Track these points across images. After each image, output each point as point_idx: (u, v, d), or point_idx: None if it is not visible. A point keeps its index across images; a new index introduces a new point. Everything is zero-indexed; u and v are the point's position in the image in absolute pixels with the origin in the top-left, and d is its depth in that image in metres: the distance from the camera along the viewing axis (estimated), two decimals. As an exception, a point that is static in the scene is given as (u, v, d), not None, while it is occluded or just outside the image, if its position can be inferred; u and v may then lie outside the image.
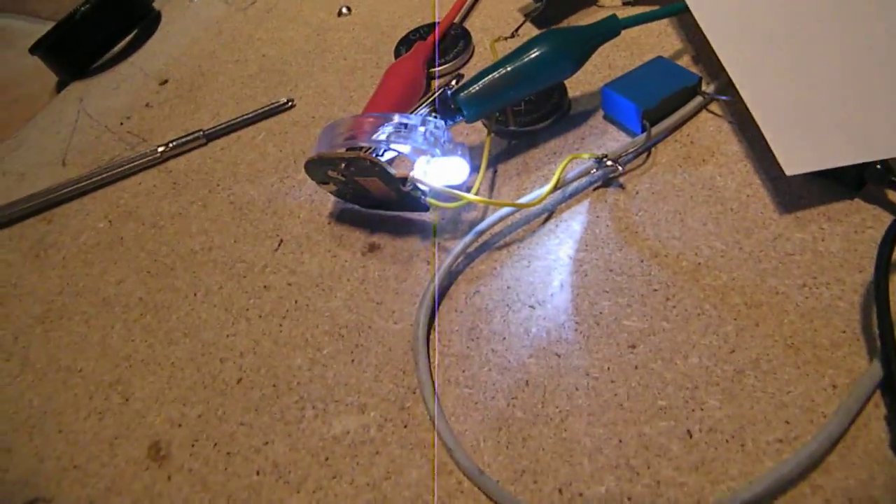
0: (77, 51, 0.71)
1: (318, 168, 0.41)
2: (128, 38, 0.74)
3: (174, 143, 0.55)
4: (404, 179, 0.37)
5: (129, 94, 0.65)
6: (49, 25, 0.70)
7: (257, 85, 0.59)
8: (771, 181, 0.38)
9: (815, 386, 0.31)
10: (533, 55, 0.40)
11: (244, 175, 0.52)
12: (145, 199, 0.53)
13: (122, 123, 0.62)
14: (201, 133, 0.55)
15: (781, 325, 0.33)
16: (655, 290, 0.36)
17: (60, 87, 0.73)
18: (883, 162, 0.35)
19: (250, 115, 0.55)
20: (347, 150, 0.39)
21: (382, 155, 0.40)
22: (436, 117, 0.40)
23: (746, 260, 0.36)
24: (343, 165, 0.39)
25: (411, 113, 0.41)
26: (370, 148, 0.39)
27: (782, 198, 0.38)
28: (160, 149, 0.55)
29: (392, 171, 0.37)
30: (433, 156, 0.38)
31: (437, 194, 0.38)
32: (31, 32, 0.72)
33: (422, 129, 0.38)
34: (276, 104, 0.55)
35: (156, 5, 0.77)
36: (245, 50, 0.64)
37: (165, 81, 0.65)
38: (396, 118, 0.39)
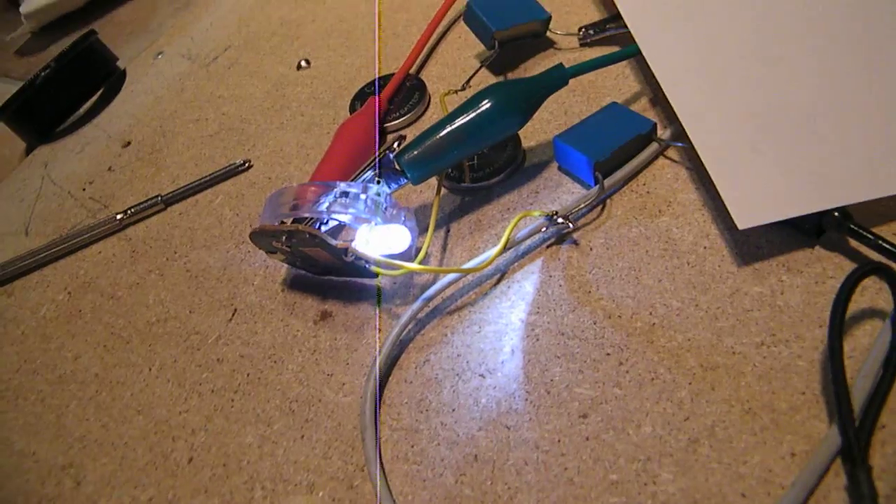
0: (42, 114, 0.71)
1: (262, 239, 0.40)
2: (93, 99, 0.73)
3: (133, 210, 0.55)
4: (345, 250, 0.36)
5: (93, 158, 0.64)
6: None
7: (216, 145, 0.58)
8: (728, 231, 0.37)
9: (772, 454, 0.30)
10: (477, 111, 0.39)
11: (201, 241, 0.51)
12: (104, 269, 0.52)
13: (84, 189, 0.61)
14: (159, 198, 0.55)
15: (738, 389, 0.32)
16: (608, 353, 0.35)
17: (29, 150, 0.72)
18: (841, 209, 0.34)
19: (207, 178, 0.54)
20: (291, 221, 0.38)
21: (327, 223, 0.39)
22: (379, 182, 0.39)
23: (703, 318, 0.35)
24: (284, 238, 0.38)
25: (355, 177, 0.40)
26: (312, 219, 0.38)
27: (740, 248, 0.37)
28: (119, 216, 0.54)
29: (333, 242, 0.36)
30: (375, 224, 0.37)
31: (382, 262, 0.37)
32: (3, 93, 0.72)
33: (363, 196, 0.37)
34: (233, 166, 0.54)
35: (121, 63, 0.76)
36: (206, 108, 0.63)
37: (128, 143, 0.64)
38: (338, 187, 0.37)
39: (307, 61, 0.62)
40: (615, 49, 0.50)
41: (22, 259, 0.55)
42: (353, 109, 0.54)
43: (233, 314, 0.45)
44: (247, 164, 0.54)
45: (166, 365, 0.44)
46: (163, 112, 0.66)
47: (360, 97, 0.54)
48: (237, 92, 0.64)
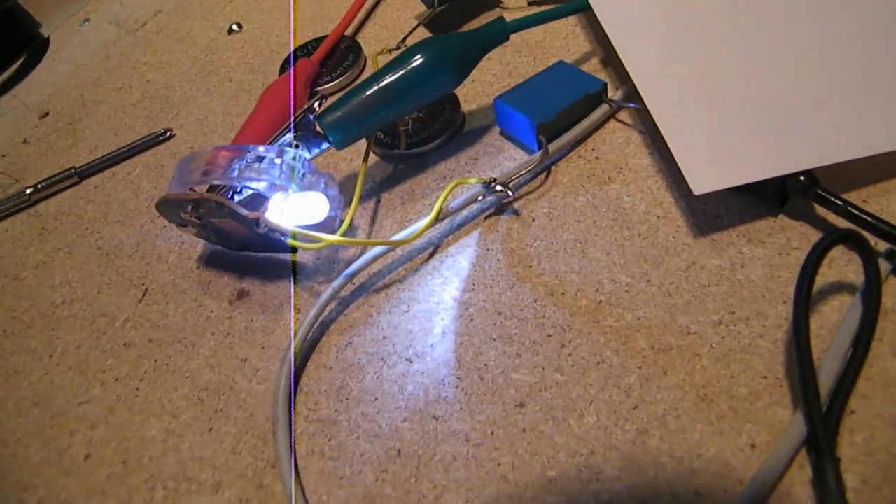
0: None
1: (170, 209, 0.36)
2: (13, 68, 0.68)
3: (44, 184, 0.50)
4: (257, 220, 0.32)
5: (7, 131, 0.60)
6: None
7: (138, 114, 0.54)
8: (684, 199, 0.34)
9: (730, 446, 0.26)
10: (406, 68, 0.35)
11: (115, 216, 0.46)
12: (10, 248, 0.48)
13: (-4, 162, 0.56)
14: (73, 170, 0.50)
15: (693, 373, 0.28)
16: (549, 335, 0.31)
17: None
18: (806, 173, 0.30)
19: (126, 149, 0.50)
20: (207, 190, 0.33)
21: (241, 192, 0.34)
22: (298, 146, 0.35)
23: (655, 295, 0.31)
24: (191, 207, 0.34)
25: (272, 140, 0.35)
26: (224, 186, 0.34)
27: (697, 218, 0.33)
28: (28, 190, 0.50)
29: (242, 211, 0.32)
30: (291, 191, 0.33)
31: (298, 234, 0.33)
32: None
33: (278, 161, 0.33)
34: (154, 135, 0.50)
35: (45, 31, 0.71)
36: (130, 76, 0.59)
37: (46, 114, 0.59)
38: (251, 151, 0.33)
39: (239, 25, 0.58)
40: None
41: (-78, 237, 0.50)
42: (282, 73, 0.49)
43: (143, 294, 0.40)
44: (168, 134, 0.50)
45: (69, 351, 0.39)
46: (85, 80, 0.61)
47: (292, 61, 0.50)
48: (164, 58, 0.59)
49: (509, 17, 0.46)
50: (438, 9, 0.46)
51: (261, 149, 0.34)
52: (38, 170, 0.54)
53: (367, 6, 0.53)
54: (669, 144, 0.32)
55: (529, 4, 0.48)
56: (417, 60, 0.35)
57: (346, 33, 0.50)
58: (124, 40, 0.64)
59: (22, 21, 0.68)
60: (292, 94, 0.41)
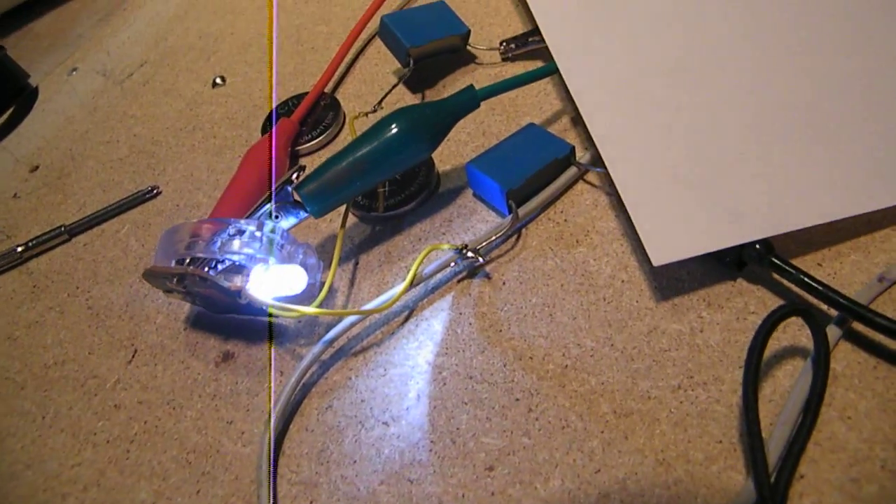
0: (-54, 137, 0.67)
1: (156, 279, 0.37)
2: (3, 118, 0.70)
3: (35, 242, 0.51)
4: (239, 292, 0.34)
5: (-2, 184, 0.61)
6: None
7: (125, 169, 0.55)
8: (647, 263, 0.35)
9: (686, 509, 0.28)
10: (381, 139, 0.37)
11: (105, 275, 0.48)
12: (3, 306, 0.49)
13: (-13, 217, 0.58)
14: (62, 229, 0.51)
15: (652, 437, 0.30)
16: (518, 399, 0.33)
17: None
18: (762, 241, 0.32)
19: (114, 206, 0.51)
20: (183, 263, 0.35)
21: (224, 262, 0.36)
22: (277, 217, 0.36)
23: (618, 359, 0.33)
24: (176, 280, 0.35)
25: (252, 212, 0.37)
26: (205, 259, 0.35)
27: (659, 282, 0.35)
28: (19, 248, 0.51)
29: (225, 284, 0.34)
30: (270, 264, 0.35)
31: (276, 306, 0.35)
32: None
33: (258, 234, 0.35)
34: (140, 193, 0.51)
35: (33, 80, 0.72)
36: (117, 129, 0.60)
37: (36, 168, 0.61)
38: (232, 225, 0.35)
39: (222, 78, 0.59)
40: (538, 64, 0.48)
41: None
42: (264, 131, 0.51)
43: (133, 355, 0.42)
44: (154, 192, 0.51)
45: (61, 413, 0.41)
46: (73, 133, 0.63)
47: (274, 118, 0.52)
48: (151, 111, 0.61)
49: (482, 72, 0.48)
50: (413, 67, 0.48)
51: (241, 222, 0.35)
52: (28, 226, 0.55)
53: (345, 60, 0.54)
54: (631, 215, 0.34)
55: (503, 60, 0.50)
56: (392, 131, 0.37)
57: (325, 90, 0.52)
58: (111, 91, 0.66)
59: (12, 72, 0.70)
60: (273, 164, 0.43)
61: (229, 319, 0.41)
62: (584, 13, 0.45)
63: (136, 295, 0.45)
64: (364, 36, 0.57)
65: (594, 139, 0.38)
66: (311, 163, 0.49)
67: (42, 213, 0.56)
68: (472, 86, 0.39)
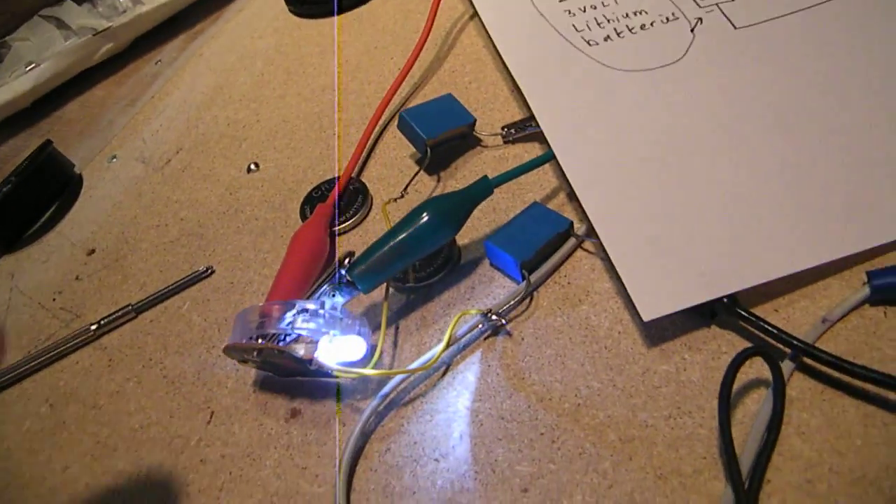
0: (3, 228, 0.74)
1: (235, 353, 0.45)
2: (54, 207, 0.77)
3: (106, 320, 0.59)
4: (310, 361, 0.42)
5: (59, 267, 0.68)
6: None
7: (178, 251, 0.63)
8: (638, 316, 0.43)
9: (681, 513, 0.36)
10: (416, 227, 0.45)
11: (174, 347, 0.55)
12: (83, 379, 0.57)
13: (54, 299, 0.65)
14: (130, 307, 0.59)
15: (651, 457, 0.38)
16: (542, 433, 0.41)
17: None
18: (729, 295, 0.41)
19: (174, 286, 0.59)
20: (257, 338, 0.43)
21: (291, 336, 0.44)
22: (334, 295, 0.45)
23: (619, 396, 0.41)
24: (255, 353, 0.43)
25: (312, 292, 0.45)
26: (276, 334, 0.43)
27: (649, 331, 0.43)
28: (93, 326, 0.59)
29: (298, 354, 0.42)
30: (334, 335, 0.43)
31: (342, 371, 0.43)
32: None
33: (321, 311, 0.43)
34: (197, 273, 0.59)
35: (76, 167, 0.80)
36: (164, 213, 0.68)
37: (93, 251, 0.68)
38: (297, 305, 0.43)
39: (256, 164, 0.67)
40: (536, 146, 0.57)
41: (1, 374, 0.59)
42: (303, 214, 0.59)
43: (210, 416, 0.49)
44: (209, 271, 0.59)
45: (153, 469, 0.48)
46: (123, 218, 0.70)
47: (309, 201, 0.60)
48: (193, 196, 0.68)
49: (487, 154, 0.56)
50: (430, 155, 0.56)
51: (305, 302, 0.44)
52: (94, 305, 0.62)
53: (366, 147, 0.63)
54: (623, 278, 0.42)
55: (504, 143, 0.58)
56: (423, 219, 0.45)
57: (351, 175, 0.60)
58: (152, 177, 0.74)
59: (60, 163, 0.78)
60: (327, 256, 0.51)
61: (292, 381, 0.49)
62: (574, 103, 0.54)
63: (205, 364, 0.53)
64: (380, 123, 0.65)
65: (588, 213, 0.46)
66: (346, 241, 0.57)
67: (105, 293, 0.63)
68: (486, 176, 0.47)
